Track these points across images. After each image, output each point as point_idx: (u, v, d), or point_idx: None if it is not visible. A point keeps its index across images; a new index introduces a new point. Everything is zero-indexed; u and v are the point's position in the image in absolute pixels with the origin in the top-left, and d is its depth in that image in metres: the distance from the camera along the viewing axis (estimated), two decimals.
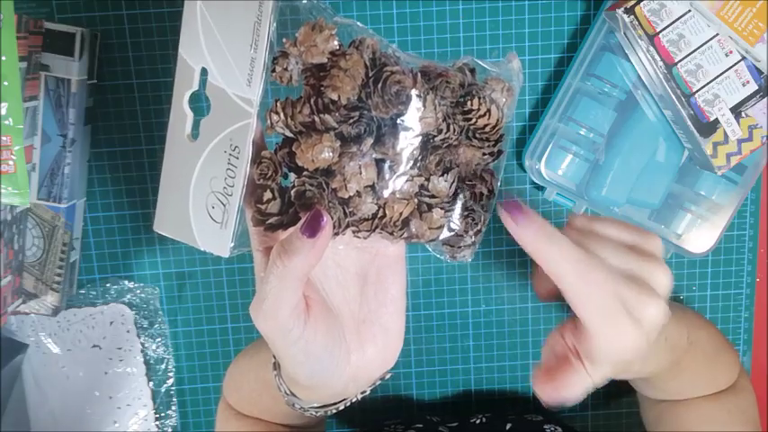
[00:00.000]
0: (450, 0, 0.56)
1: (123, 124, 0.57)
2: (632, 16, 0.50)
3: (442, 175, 0.36)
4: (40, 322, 0.59)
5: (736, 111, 0.52)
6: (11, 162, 0.45)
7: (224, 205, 0.37)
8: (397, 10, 0.56)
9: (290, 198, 0.35)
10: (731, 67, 0.52)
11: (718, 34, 0.51)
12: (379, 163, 0.35)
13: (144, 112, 0.57)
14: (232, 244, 0.38)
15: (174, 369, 0.61)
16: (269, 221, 0.36)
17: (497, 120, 0.36)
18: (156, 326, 0.60)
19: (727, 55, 0.52)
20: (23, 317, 0.59)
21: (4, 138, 0.45)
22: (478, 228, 0.38)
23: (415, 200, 0.36)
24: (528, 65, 0.57)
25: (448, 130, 0.35)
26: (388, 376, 0.41)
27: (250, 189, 0.36)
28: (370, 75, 0.34)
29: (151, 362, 0.61)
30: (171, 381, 0.61)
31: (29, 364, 0.60)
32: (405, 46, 0.56)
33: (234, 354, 0.61)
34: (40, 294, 0.54)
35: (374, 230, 0.36)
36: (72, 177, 0.53)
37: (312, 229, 0.33)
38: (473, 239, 0.38)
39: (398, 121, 0.34)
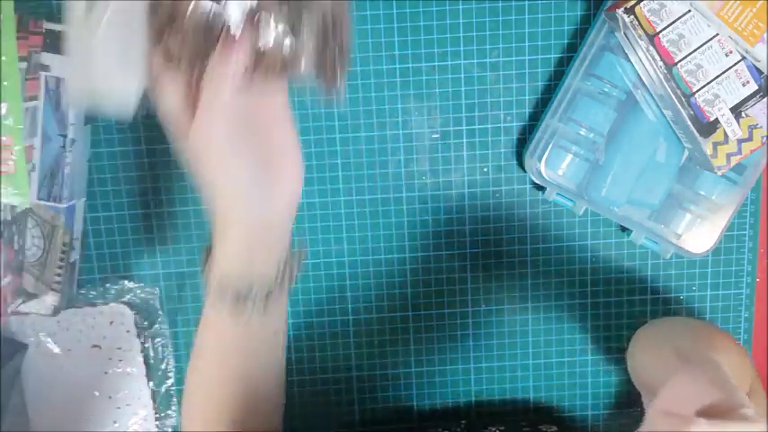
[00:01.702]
0: (450, 0, 0.56)
1: (123, 124, 0.57)
2: (632, 16, 0.50)
3: None
4: (40, 322, 0.59)
5: (736, 111, 0.52)
6: (11, 162, 0.46)
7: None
8: (398, 10, 0.56)
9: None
10: (731, 67, 0.52)
11: (718, 34, 0.51)
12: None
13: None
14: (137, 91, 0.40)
15: (174, 369, 0.61)
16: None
17: None
18: (156, 326, 0.60)
19: (727, 55, 0.52)
20: (23, 317, 0.59)
21: (4, 138, 0.45)
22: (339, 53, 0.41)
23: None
24: (528, 65, 0.57)
25: None
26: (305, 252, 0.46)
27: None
28: None
29: (151, 362, 0.61)
30: (171, 381, 0.61)
31: (29, 364, 0.60)
32: (405, 46, 0.56)
33: None
34: (40, 294, 0.54)
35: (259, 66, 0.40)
36: (72, 177, 0.53)
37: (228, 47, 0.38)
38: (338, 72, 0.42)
39: None
